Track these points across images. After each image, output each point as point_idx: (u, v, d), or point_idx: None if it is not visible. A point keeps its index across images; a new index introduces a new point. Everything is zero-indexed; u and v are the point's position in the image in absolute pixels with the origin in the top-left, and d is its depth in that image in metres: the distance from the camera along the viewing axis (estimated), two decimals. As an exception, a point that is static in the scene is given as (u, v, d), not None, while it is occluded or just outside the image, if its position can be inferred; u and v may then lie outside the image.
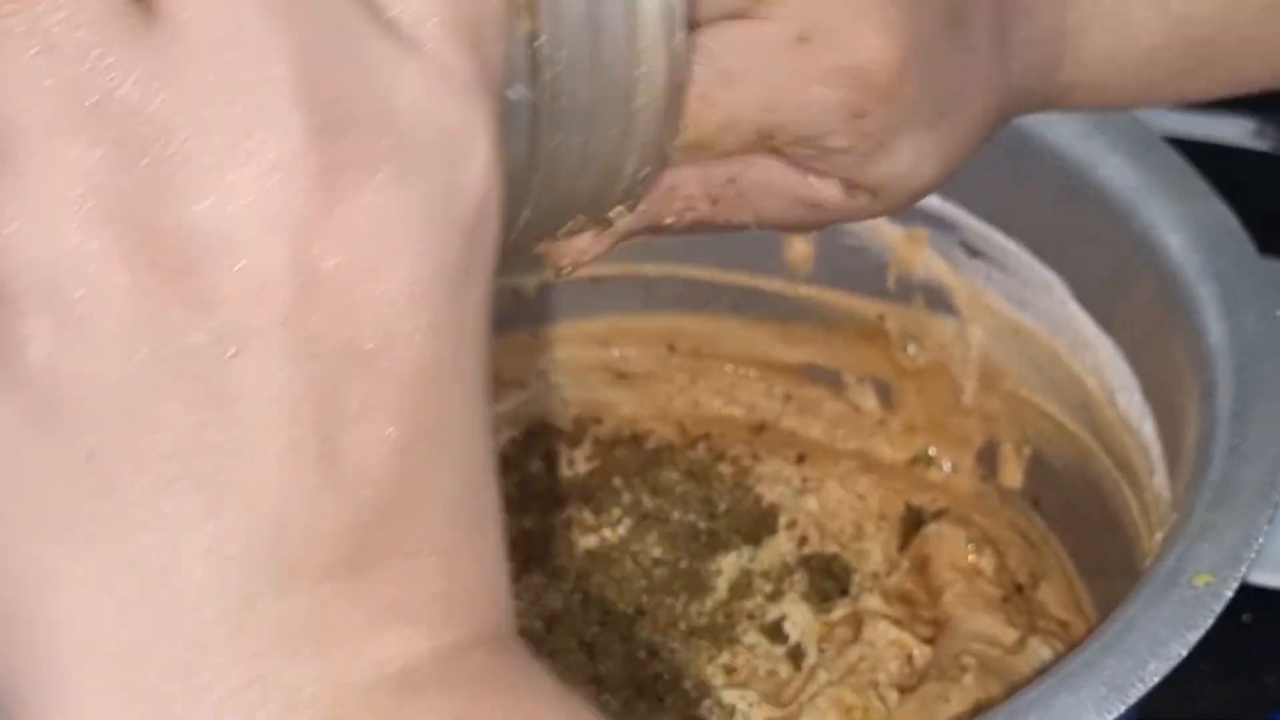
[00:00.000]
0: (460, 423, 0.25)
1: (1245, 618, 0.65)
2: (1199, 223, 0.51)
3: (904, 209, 0.41)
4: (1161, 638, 0.40)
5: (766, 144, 0.37)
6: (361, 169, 0.23)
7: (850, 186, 0.39)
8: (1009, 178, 0.57)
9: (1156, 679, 0.40)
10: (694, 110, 0.36)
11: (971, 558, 0.60)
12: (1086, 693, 0.39)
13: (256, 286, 0.23)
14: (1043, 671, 0.55)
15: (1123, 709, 0.39)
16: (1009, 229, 0.59)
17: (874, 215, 0.41)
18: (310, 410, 0.23)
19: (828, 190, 0.39)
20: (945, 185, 0.42)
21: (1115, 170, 0.54)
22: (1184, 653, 0.40)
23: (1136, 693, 0.39)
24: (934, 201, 0.60)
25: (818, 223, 0.40)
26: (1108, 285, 0.55)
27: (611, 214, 0.32)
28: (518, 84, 0.28)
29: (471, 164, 0.24)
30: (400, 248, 0.23)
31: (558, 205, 0.30)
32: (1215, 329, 0.48)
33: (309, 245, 0.23)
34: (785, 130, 0.37)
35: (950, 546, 0.60)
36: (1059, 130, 0.55)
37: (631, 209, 0.32)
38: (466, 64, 0.24)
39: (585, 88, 0.28)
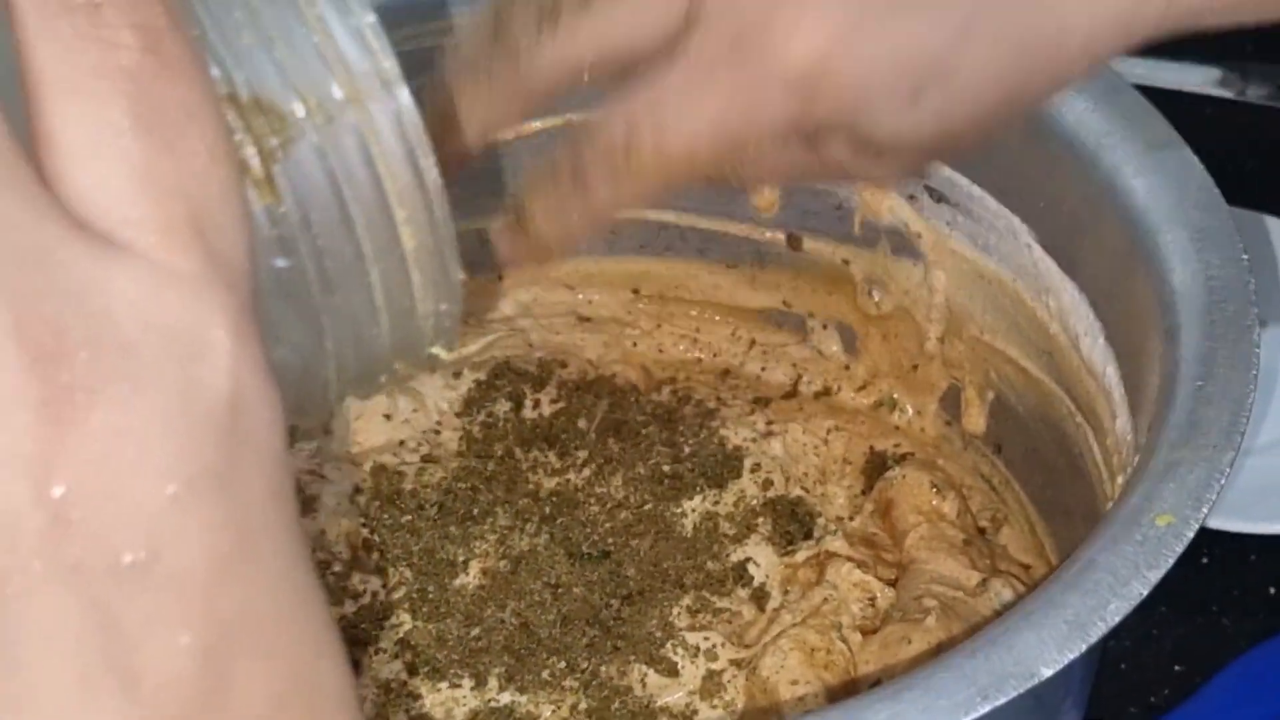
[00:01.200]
0: (270, 609, 0.24)
1: (1204, 560, 0.66)
2: (1164, 167, 0.51)
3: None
4: (1123, 577, 0.41)
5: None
6: (87, 390, 0.23)
7: (857, 149, 0.40)
8: (975, 122, 0.57)
9: (1118, 618, 0.40)
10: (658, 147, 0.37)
11: (934, 501, 0.60)
12: (1048, 631, 0.40)
13: (7, 530, 0.22)
14: (1003, 613, 0.57)
15: (1084, 647, 0.39)
16: (974, 174, 0.59)
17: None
18: (94, 637, 0.23)
19: (837, 152, 0.40)
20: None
21: (1081, 115, 0.54)
22: (1145, 592, 0.40)
23: (1098, 631, 0.40)
24: (900, 146, 0.60)
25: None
26: (1071, 230, 0.55)
27: (435, 351, 0.31)
28: (275, 257, 0.27)
29: (210, 358, 0.24)
30: (144, 459, 0.23)
31: (365, 358, 0.30)
32: (1179, 272, 0.48)
33: (48, 479, 0.22)
34: (751, 142, 0.39)
35: (914, 490, 0.60)
36: (1026, 75, 0.55)
37: (450, 348, 0.31)
38: (187, 259, 0.24)
39: (346, 245, 0.28)
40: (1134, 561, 0.41)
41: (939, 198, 0.60)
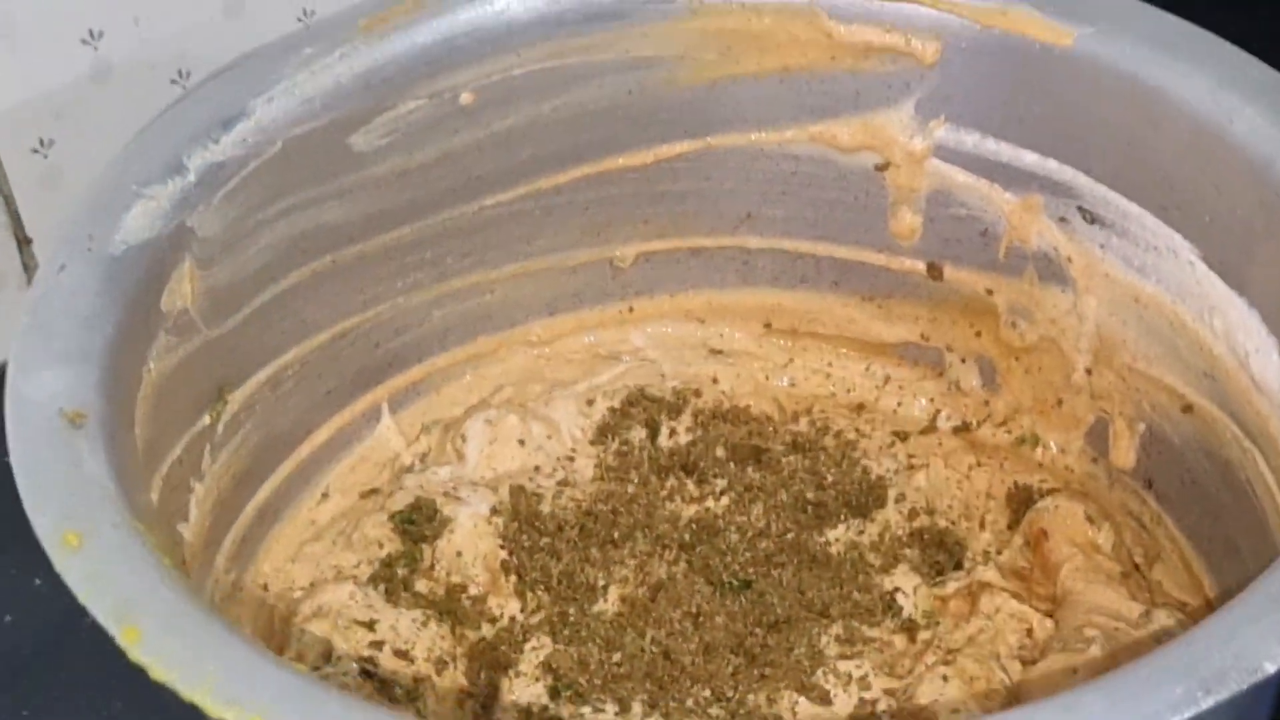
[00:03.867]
0: None
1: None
2: (1346, 170, 0.49)
3: None
4: (1346, 572, 0.38)
5: None
6: None
7: None
8: (1134, 137, 0.56)
9: (1343, 613, 0.37)
10: None
11: (1089, 533, 0.58)
12: (1270, 626, 0.37)
13: None
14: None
15: (1308, 643, 0.37)
16: (1132, 191, 0.57)
17: None
18: None
19: None
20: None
21: (1252, 124, 0.52)
22: (1368, 587, 0.38)
23: (1322, 626, 0.37)
24: (1052, 166, 0.59)
25: None
26: (1242, 242, 0.53)
27: None
28: None
29: None
30: None
31: None
32: (1371, 272, 0.46)
33: None
34: None
35: (1067, 521, 0.58)
36: (1189, 86, 0.54)
37: None
38: None
39: None
40: (1355, 556, 0.39)
41: (1092, 219, 0.59)
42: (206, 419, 0.52)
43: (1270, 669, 0.37)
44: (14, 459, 0.41)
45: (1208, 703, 0.36)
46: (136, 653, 0.37)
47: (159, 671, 0.36)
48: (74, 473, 0.41)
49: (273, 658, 0.37)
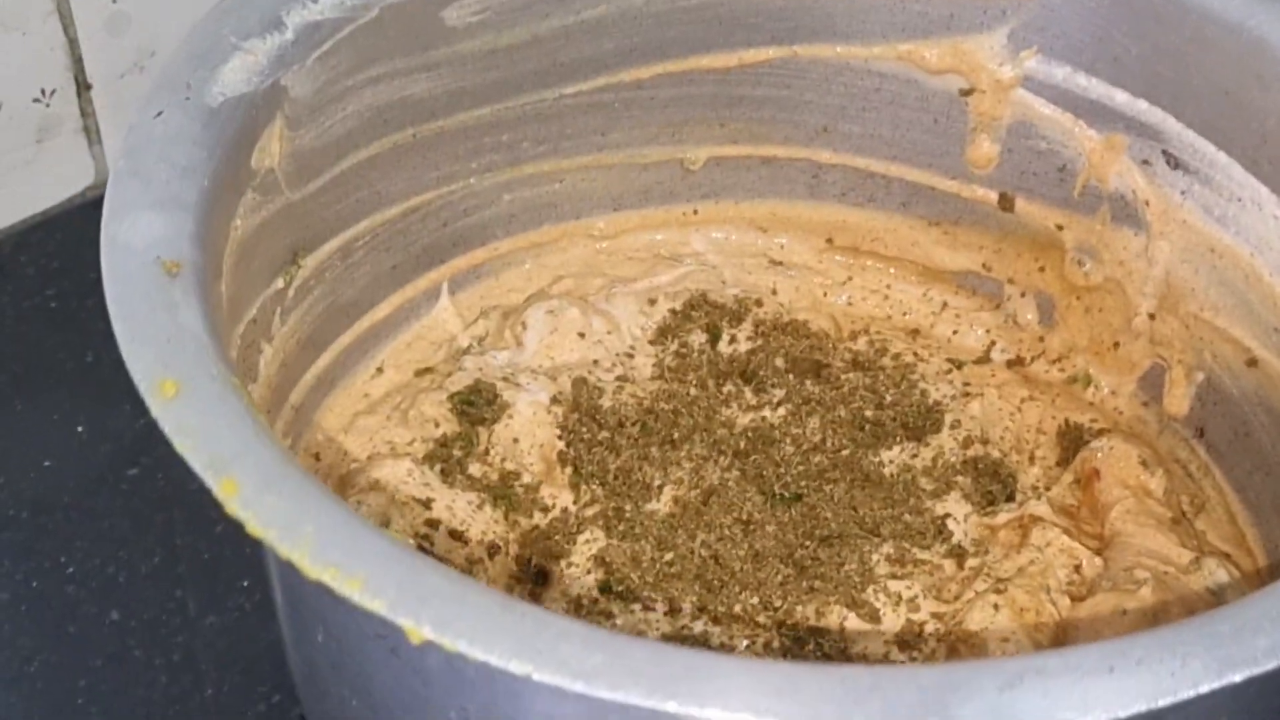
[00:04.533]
0: None
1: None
2: None
3: None
4: None
5: None
6: None
7: None
8: (1232, 86, 0.55)
9: None
10: None
11: (1142, 476, 0.58)
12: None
13: None
14: (1219, 593, 0.54)
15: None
16: (1222, 140, 0.56)
17: None
18: None
19: None
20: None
21: (1358, 81, 0.52)
22: None
23: None
24: (1141, 107, 0.58)
25: None
26: (1332, 202, 0.53)
27: None
28: None
29: None
30: None
31: None
32: None
33: None
34: None
35: (1121, 463, 0.58)
36: (1296, 39, 0.53)
37: None
38: None
39: None
40: None
41: (1176, 164, 0.58)
42: (280, 282, 0.52)
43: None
44: (110, 305, 0.40)
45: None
46: (234, 506, 0.36)
47: (256, 527, 0.36)
48: (171, 322, 0.40)
49: (370, 524, 0.37)
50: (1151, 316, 0.61)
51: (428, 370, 0.60)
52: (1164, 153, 0.58)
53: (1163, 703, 0.35)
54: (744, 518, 0.55)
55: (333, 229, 0.55)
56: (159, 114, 0.46)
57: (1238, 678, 0.35)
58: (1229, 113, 0.56)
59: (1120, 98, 0.59)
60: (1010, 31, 0.60)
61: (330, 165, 0.53)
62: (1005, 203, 0.63)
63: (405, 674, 0.40)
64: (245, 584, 0.58)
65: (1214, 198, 0.57)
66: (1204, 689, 0.35)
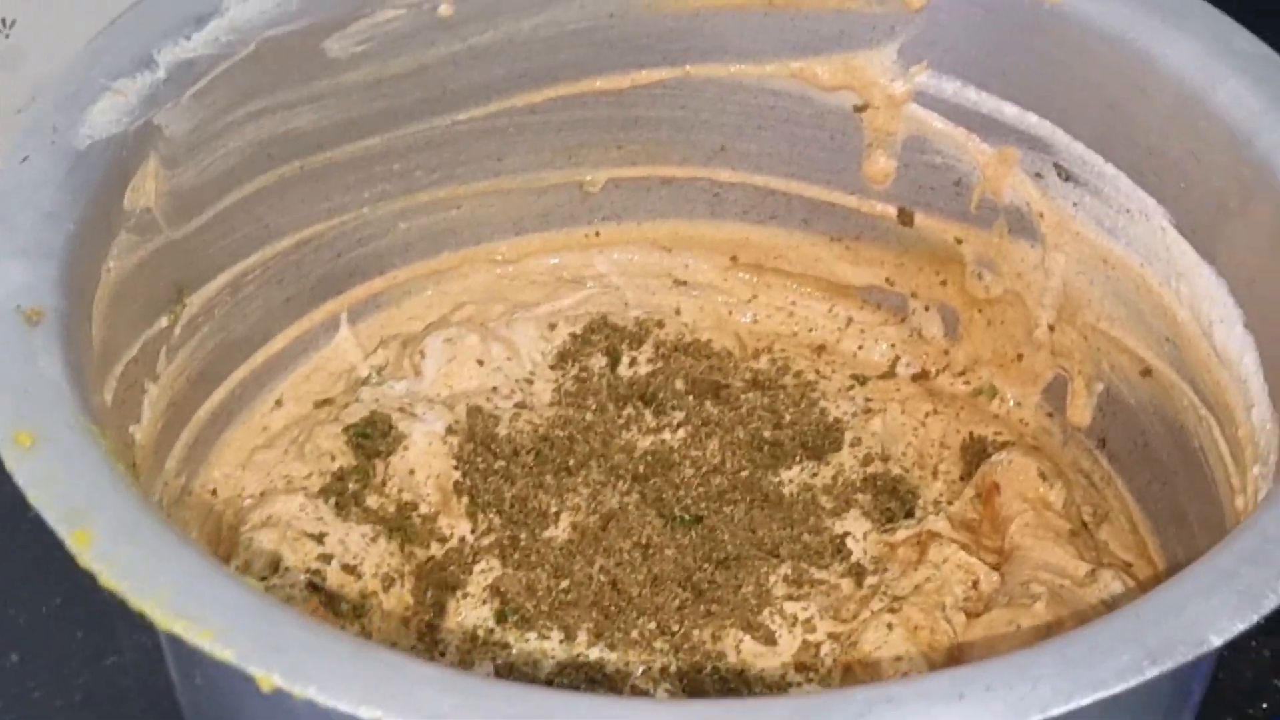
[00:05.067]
0: None
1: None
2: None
3: None
4: (1297, 551, 0.39)
5: None
6: None
7: None
8: (1117, 98, 0.55)
9: (1292, 591, 0.38)
10: None
11: (1041, 489, 0.58)
12: (1220, 599, 0.38)
13: None
14: (1113, 605, 0.55)
15: (1256, 618, 0.37)
16: (1109, 152, 0.57)
17: None
18: None
19: None
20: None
21: (1235, 94, 0.52)
22: (1321, 567, 0.38)
23: (1270, 603, 0.38)
24: (1031, 120, 0.58)
25: None
26: (1215, 212, 0.53)
27: None
28: None
29: None
30: None
31: None
32: (1345, 251, 0.46)
33: None
34: None
35: (1020, 476, 0.58)
36: (1176, 51, 0.54)
37: None
38: None
39: None
40: (1308, 536, 0.39)
41: (1067, 176, 0.58)
42: (164, 320, 0.52)
43: (1216, 642, 0.37)
44: (-32, 354, 0.40)
45: (1153, 672, 0.36)
46: (87, 558, 0.36)
47: (108, 579, 0.36)
48: (29, 371, 0.40)
49: (225, 571, 0.37)
50: (1051, 328, 0.61)
51: (327, 402, 0.60)
52: (1055, 165, 0.59)
53: (1014, 728, 0.35)
54: (643, 542, 0.55)
55: (220, 265, 0.55)
56: (25, 159, 0.45)
57: (1086, 701, 0.35)
58: (1114, 125, 0.56)
59: (1010, 111, 0.59)
60: (900, 47, 0.60)
61: (213, 201, 0.53)
62: (904, 217, 0.64)
63: (277, 715, 0.39)
64: (146, 624, 0.58)
65: (1104, 209, 0.57)
66: (1052, 713, 0.35)
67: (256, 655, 0.35)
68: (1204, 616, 0.37)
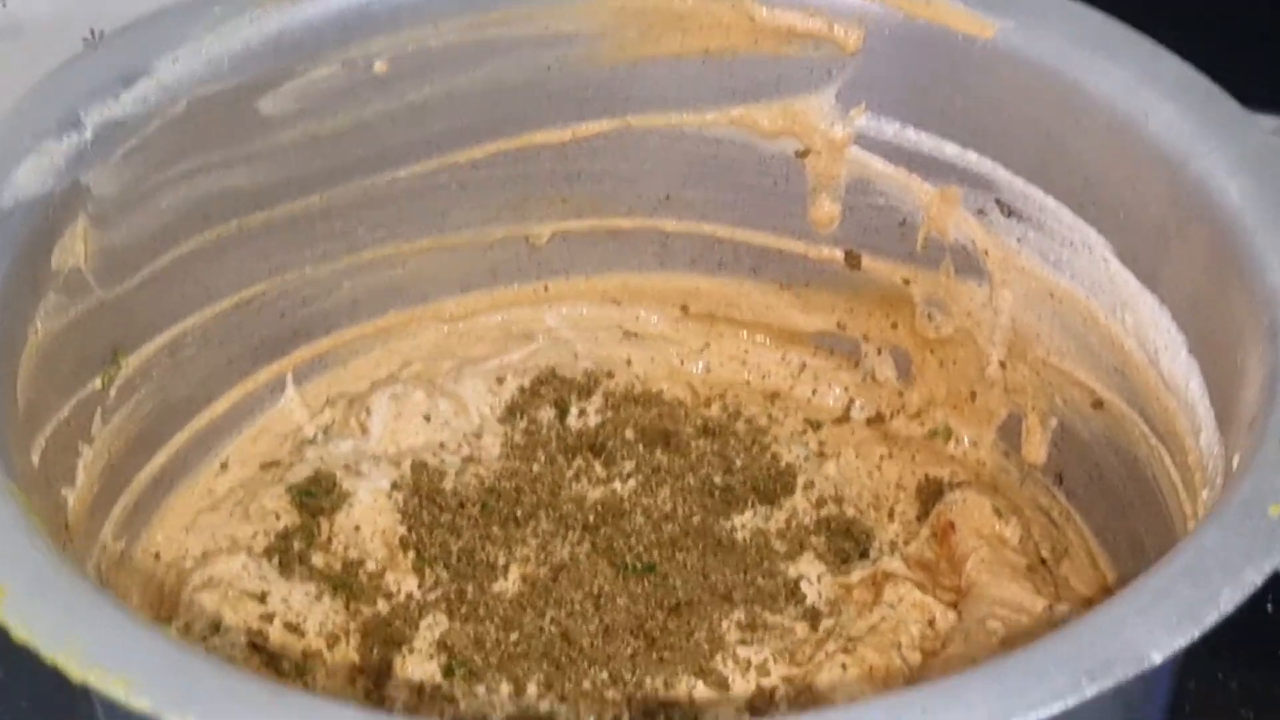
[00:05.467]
0: None
1: (1269, 608, 0.63)
2: (1260, 169, 0.49)
3: None
4: (1235, 565, 0.38)
5: None
6: None
7: None
8: (1053, 131, 0.55)
9: (1231, 606, 0.37)
10: None
11: (996, 526, 0.57)
12: (1159, 616, 0.37)
13: None
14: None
15: (1196, 633, 0.37)
16: (1049, 185, 0.57)
17: None
18: None
19: None
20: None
21: (1168, 120, 0.52)
22: (1259, 580, 0.38)
23: (1210, 618, 0.37)
24: (971, 158, 0.58)
25: None
26: (1154, 239, 0.53)
27: None
28: None
29: None
30: None
31: None
32: (1277, 266, 0.46)
33: None
34: None
35: (975, 513, 0.58)
36: (1108, 81, 0.54)
37: None
38: None
39: None
40: (1246, 550, 0.38)
41: (1009, 212, 0.58)
42: (98, 383, 0.51)
43: (1157, 659, 0.36)
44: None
45: (1092, 690, 0.35)
46: (0, 612, 0.35)
47: (21, 631, 0.35)
48: (-54, 429, 0.40)
49: (143, 622, 0.36)
50: (1003, 365, 0.61)
51: (274, 464, 0.59)
52: (997, 201, 0.58)
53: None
54: (594, 591, 0.54)
55: (157, 326, 0.54)
56: (-53, 219, 0.45)
57: (1022, 723, 0.34)
58: (1052, 158, 0.56)
59: (950, 149, 0.59)
60: (838, 91, 0.60)
61: (148, 261, 0.53)
62: (852, 260, 0.63)
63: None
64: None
65: (1048, 243, 0.57)
66: (988, 736, 0.34)
67: (171, 703, 0.34)
68: (1143, 634, 0.37)
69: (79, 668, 0.35)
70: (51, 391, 0.48)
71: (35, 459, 0.45)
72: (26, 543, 0.37)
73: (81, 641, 0.35)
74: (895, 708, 0.35)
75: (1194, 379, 0.51)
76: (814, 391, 0.65)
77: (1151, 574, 0.38)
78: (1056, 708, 0.35)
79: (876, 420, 0.64)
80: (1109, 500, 0.58)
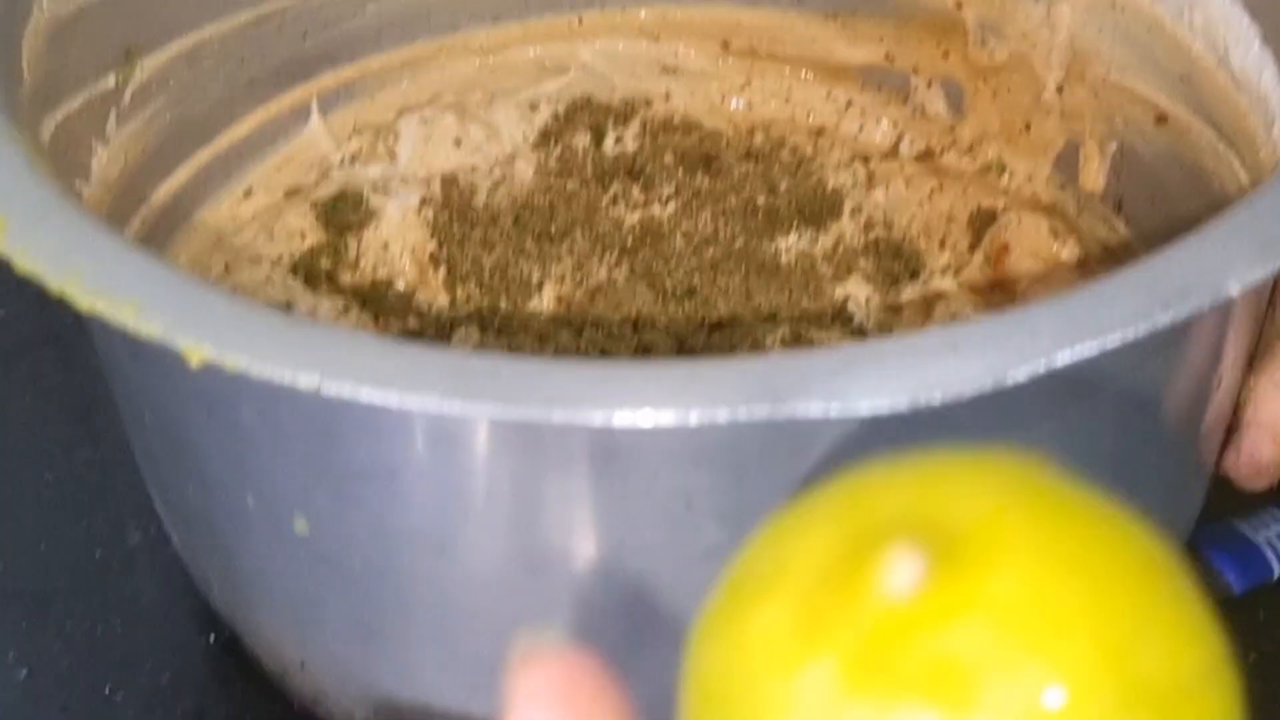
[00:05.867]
0: None
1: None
2: None
3: None
4: (1319, 202, 0.35)
5: None
6: None
7: None
8: None
9: (1314, 241, 0.35)
10: None
11: (1054, 246, 0.55)
12: (1236, 249, 0.34)
13: None
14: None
15: (1274, 267, 0.34)
16: (1113, -119, 0.53)
17: None
18: None
19: None
20: None
21: None
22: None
23: (1291, 253, 0.34)
24: None
25: None
26: (1225, -73, 0.49)
27: None
28: None
29: None
30: None
31: None
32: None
33: None
34: None
35: (1031, 234, 0.55)
36: None
37: None
38: None
39: None
40: (1331, 188, 0.36)
41: (1070, -84, 0.55)
42: (112, 81, 0.49)
43: (1234, 289, 0.34)
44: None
45: (1165, 318, 0.33)
46: (2, 243, 0.33)
47: (24, 261, 0.33)
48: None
49: (151, 254, 0.34)
50: (1060, 89, 0.58)
51: (298, 191, 0.57)
52: (1056, -95, 0.55)
53: (1011, 378, 0.32)
54: (632, 314, 0.52)
55: (171, 30, 0.52)
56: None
57: (1091, 349, 0.32)
58: None
59: None
60: None
61: (161, -46, 0.50)
62: (902, -16, 0.60)
63: (209, 398, 0.36)
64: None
65: (1110, -53, 0.54)
66: (1055, 363, 0.32)
67: (183, 327, 0.32)
68: (1220, 264, 0.34)
69: (85, 294, 0.33)
70: (64, 78, 0.45)
71: (45, 138, 0.43)
72: (28, 176, 0.35)
73: (88, 269, 0.33)
74: (954, 335, 0.33)
75: (1268, 69, 0.48)
76: (860, 127, 0.62)
77: (1228, 213, 0.36)
78: (1128, 334, 0.32)
79: (926, 155, 0.61)
80: (1172, 224, 0.55)
